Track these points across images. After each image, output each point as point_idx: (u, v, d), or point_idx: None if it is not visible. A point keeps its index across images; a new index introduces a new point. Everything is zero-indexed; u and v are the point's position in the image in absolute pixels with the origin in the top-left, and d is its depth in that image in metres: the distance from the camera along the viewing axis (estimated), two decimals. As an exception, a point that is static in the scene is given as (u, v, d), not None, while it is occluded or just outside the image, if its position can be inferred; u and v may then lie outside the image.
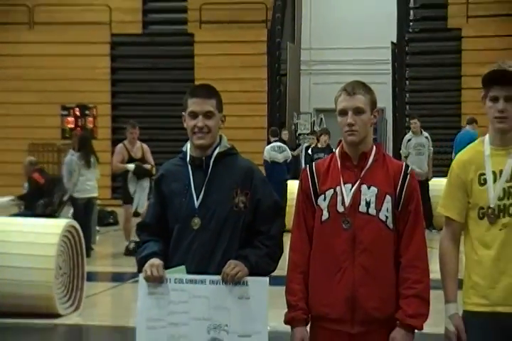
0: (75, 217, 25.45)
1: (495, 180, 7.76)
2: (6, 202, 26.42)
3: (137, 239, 8.50)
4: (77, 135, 28.82)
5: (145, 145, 26.03)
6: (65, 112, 28.55)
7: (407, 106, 39.73)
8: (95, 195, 25.00)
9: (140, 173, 25.52)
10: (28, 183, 26.15)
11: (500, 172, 7.76)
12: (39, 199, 25.84)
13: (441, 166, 25.89)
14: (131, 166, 25.52)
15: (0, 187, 31.92)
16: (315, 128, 38.49)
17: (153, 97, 36.80)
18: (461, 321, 7.76)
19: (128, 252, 24.26)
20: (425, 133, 32.15)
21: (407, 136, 32.62)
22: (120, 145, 26.44)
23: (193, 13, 41.79)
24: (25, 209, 25.46)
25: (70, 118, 28.61)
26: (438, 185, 9.14)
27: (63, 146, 31.14)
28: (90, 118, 28.90)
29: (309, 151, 32.62)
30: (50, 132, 29.14)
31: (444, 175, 8.46)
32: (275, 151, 31.24)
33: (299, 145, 35.32)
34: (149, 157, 25.57)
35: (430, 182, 26.08)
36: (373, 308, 7.68)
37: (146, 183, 25.08)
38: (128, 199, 25.14)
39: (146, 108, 35.39)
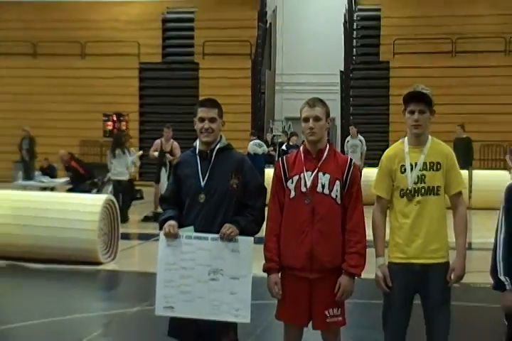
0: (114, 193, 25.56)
1: (412, 170, 7.98)
2: (63, 183, 26.39)
3: (155, 211, 8.71)
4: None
5: (175, 143, 25.87)
6: (106, 118, 28.48)
7: (351, 117, 39.64)
8: (121, 178, 24.84)
9: (161, 159, 25.69)
10: (68, 170, 25.99)
11: (416, 164, 7.99)
12: (84, 180, 25.80)
13: (373, 159, 25.85)
14: (156, 154, 25.64)
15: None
16: (286, 130, 38.73)
17: (169, 108, 36.70)
18: (387, 269, 7.96)
19: (145, 219, 24.37)
20: (360, 137, 32.45)
21: (347, 138, 33.14)
22: (158, 140, 26.29)
23: (198, 48, 41.76)
24: (74, 188, 25.34)
25: (109, 123, 28.54)
26: (371, 172, 9.21)
27: (104, 142, 31.03)
28: (124, 123, 28.82)
29: (283, 147, 32.94)
30: (95, 132, 29.01)
31: (375, 165, 8.59)
32: (256, 146, 31.39)
33: (274, 143, 35.41)
34: (177, 152, 25.35)
35: (364, 171, 26.17)
36: (326, 261, 7.85)
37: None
38: (158, 181, 25.21)
39: (164, 115, 35.22)
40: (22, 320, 12.75)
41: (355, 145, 32.17)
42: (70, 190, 24.80)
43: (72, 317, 13.25)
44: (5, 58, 42.17)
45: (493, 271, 7.39)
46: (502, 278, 7.29)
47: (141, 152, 27.47)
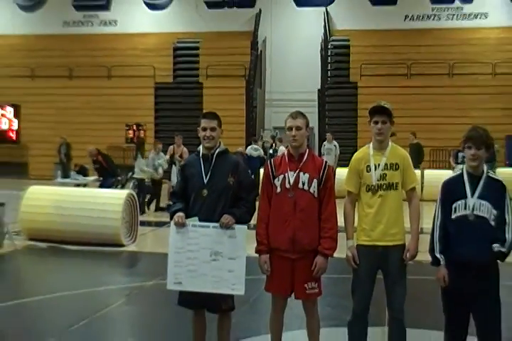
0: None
1: (375, 169, 8.06)
2: (93, 180, 26.31)
3: (168, 203, 8.73)
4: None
5: (185, 149, 25.81)
6: (127, 128, 28.40)
7: (326, 126, 39.58)
8: (139, 176, 24.79)
9: (172, 161, 25.70)
10: (94, 163, 25.85)
11: (378, 165, 8.07)
12: (108, 173, 25.74)
13: (344, 161, 25.79)
14: (167, 157, 25.63)
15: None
16: (274, 135, 38.79)
17: (178, 119, 36.60)
18: (355, 250, 8.04)
19: (159, 209, 24.36)
20: (334, 142, 32.43)
21: (324, 143, 33.15)
22: (171, 146, 26.31)
23: (203, 71, 41.75)
24: (102, 185, 25.25)
25: (130, 131, 28.48)
26: (343, 171, 9.13)
27: (126, 147, 30.97)
28: (142, 131, 28.73)
29: (271, 151, 33.09)
30: (118, 139, 28.91)
31: (346, 165, 8.59)
32: (252, 150, 31.33)
33: (264, 148, 35.37)
34: (185, 156, 25.34)
35: (337, 171, 26.05)
36: (306, 244, 7.94)
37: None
38: (170, 179, 25.25)
39: (174, 125, 35.15)
40: (61, 290, 12.88)
41: (330, 148, 32.16)
42: (100, 186, 24.76)
43: (100, 289, 13.36)
44: (47, 80, 42.14)
45: (431, 250, 7.65)
46: (438, 255, 7.56)
47: (167, 156, 27.39)
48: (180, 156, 26.01)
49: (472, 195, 7.53)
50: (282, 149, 30.37)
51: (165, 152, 26.26)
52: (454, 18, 42.48)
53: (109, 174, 25.94)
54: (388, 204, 8.05)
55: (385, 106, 8.18)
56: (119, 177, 26.49)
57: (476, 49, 40.79)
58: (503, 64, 39.88)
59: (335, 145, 32.64)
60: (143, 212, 23.54)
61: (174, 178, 24.65)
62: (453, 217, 7.57)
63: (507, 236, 7.37)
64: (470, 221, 7.48)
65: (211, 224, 8.02)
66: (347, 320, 8.34)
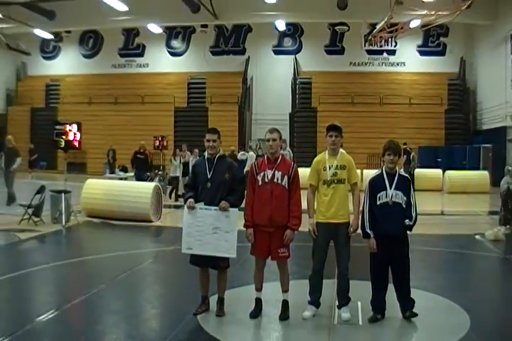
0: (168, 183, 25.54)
1: (329, 169, 8.10)
2: (132, 176, 26.10)
3: (183, 192, 8.65)
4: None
5: (188, 152, 25.76)
6: (154, 138, 28.33)
7: (295, 139, 39.64)
8: (174, 175, 24.53)
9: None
10: (141, 154, 25.63)
11: (332, 166, 8.10)
12: (144, 171, 25.64)
13: (306, 162, 25.80)
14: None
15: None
16: (258, 144, 38.77)
17: (190, 133, 36.30)
18: (315, 225, 8.08)
19: (177, 196, 23.93)
20: (288, 149, 32.43)
21: (281, 151, 32.75)
22: (180, 152, 26.13)
23: (208, 99, 41.86)
24: (138, 177, 25.06)
25: (157, 141, 28.41)
26: (305, 171, 9.10)
27: (154, 152, 30.78)
28: (165, 142, 28.69)
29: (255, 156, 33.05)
30: (148, 147, 28.85)
31: (308, 166, 8.55)
32: (242, 155, 31.11)
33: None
34: (187, 158, 25.30)
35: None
36: (279, 221, 7.92)
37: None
38: (186, 175, 25.00)
39: (187, 137, 34.96)
40: (109, 252, 12.99)
41: (286, 154, 31.58)
42: (137, 178, 24.62)
43: (136, 252, 13.37)
44: (99, 105, 42.32)
45: (363, 227, 8.04)
46: (368, 231, 8.00)
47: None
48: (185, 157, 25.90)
49: (390, 187, 8.02)
50: (252, 154, 30.22)
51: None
52: (383, 64, 42.48)
53: (144, 167, 25.73)
54: (338, 193, 8.10)
55: (337, 124, 8.28)
56: (149, 173, 26.34)
57: (398, 86, 40.94)
58: (415, 97, 40.16)
59: (289, 151, 32.32)
60: (171, 198, 23.98)
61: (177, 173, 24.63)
62: (378, 203, 8.04)
63: (412, 214, 7.94)
64: (389, 206, 7.96)
65: (213, 207, 8.04)
66: (308, 275, 8.40)
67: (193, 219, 8.08)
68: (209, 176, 8.14)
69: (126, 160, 31.36)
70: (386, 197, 7.96)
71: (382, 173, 8.15)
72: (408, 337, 7.72)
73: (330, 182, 8.10)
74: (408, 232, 8.01)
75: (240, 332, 7.65)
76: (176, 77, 43.37)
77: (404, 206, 7.93)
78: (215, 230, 8.02)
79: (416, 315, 7.96)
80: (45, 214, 17.06)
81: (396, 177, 8.04)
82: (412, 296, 8.10)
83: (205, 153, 8.34)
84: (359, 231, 8.12)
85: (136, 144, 27.02)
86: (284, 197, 8.00)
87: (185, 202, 8.20)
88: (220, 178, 8.12)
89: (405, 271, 8.06)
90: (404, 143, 28.78)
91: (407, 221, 7.86)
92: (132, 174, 26.37)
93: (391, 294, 8.12)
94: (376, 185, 8.08)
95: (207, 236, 8.01)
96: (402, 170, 8.25)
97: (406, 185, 8.06)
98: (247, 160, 30.15)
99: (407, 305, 8.06)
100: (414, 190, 8.17)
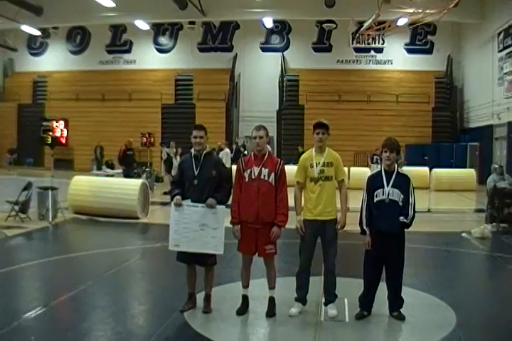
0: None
1: (316, 166, 8.10)
2: (119, 172, 25.94)
3: (170, 189, 8.62)
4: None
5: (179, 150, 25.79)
6: (142, 135, 28.15)
7: (282, 136, 39.67)
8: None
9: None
10: (130, 150, 25.49)
11: (319, 163, 8.10)
12: (132, 168, 25.57)
13: (294, 160, 25.80)
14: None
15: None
16: (245, 143, 38.66)
17: (178, 129, 35.98)
18: (302, 222, 8.08)
19: (164, 193, 23.75)
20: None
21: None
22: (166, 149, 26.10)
23: (195, 95, 41.74)
24: (126, 174, 24.91)
25: (144, 138, 28.23)
26: (293, 168, 9.13)
27: (141, 149, 30.71)
28: (152, 138, 28.51)
29: (245, 152, 32.79)
30: (135, 144, 28.62)
31: (295, 163, 8.57)
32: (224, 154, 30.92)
33: (239, 150, 35.10)
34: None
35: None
36: (266, 218, 7.92)
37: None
38: (170, 172, 24.91)
39: (174, 134, 34.74)
40: (96, 248, 12.95)
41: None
42: (125, 175, 24.50)
43: (123, 248, 13.36)
44: (87, 102, 42.15)
45: (360, 223, 7.99)
46: (365, 227, 7.94)
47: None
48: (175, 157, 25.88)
49: (387, 185, 7.95)
50: (227, 151, 30.02)
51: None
52: (370, 62, 42.48)
53: (132, 164, 25.55)
54: (325, 190, 8.11)
55: (324, 122, 8.27)
56: (136, 170, 26.24)
57: (385, 84, 41.01)
58: (402, 95, 40.18)
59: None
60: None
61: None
62: (375, 200, 7.98)
63: (409, 212, 7.85)
64: (386, 203, 7.91)
65: (200, 205, 8.02)
66: (295, 272, 8.41)
67: (180, 216, 8.05)
68: (196, 173, 8.11)
69: (115, 157, 31.34)
70: (383, 194, 7.92)
71: (380, 171, 8.12)
72: (394, 333, 7.73)
73: (317, 179, 8.10)
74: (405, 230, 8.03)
75: (226, 329, 7.65)
76: (164, 73, 43.25)
77: (401, 204, 7.87)
78: (202, 227, 7.99)
79: (403, 318, 7.94)
80: (32, 211, 17.02)
81: (394, 175, 7.99)
82: (402, 295, 8.12)
83: (192, 150, 8.30)
84: (346, 228, 8.14)
85: (122, 141, 26.84)
86: (270, 194, 7.98)
87: (172, 199, 8.18)
88: (207, 175, 8.09)
89: (398, 270, 8.06)
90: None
91: (401, 218, 7.81)
92: (120, 171, 26.27)
93: (381, 291, 8.15)
94: (374, 183, 8.06)
95: (194, 233, 7.99)
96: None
97: (405, 183, 7.99)
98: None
99: (395, 304, 8.09)
100: (414, 189, 8.07)
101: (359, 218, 8.06)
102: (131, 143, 25.74)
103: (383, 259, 8.01)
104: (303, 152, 9.44)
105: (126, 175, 24.69)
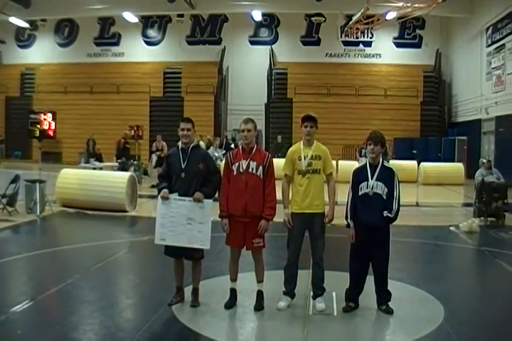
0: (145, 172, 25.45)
1: (304, 159, 8.10)
2: (107, 165, 25.95)
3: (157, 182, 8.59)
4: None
5: (164, 143, 25.69)
6: (130, 128, 27.96)
7: (270, 129, 39.65)
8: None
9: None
10: (127, 143, 25.54)
11: (307, 156, 8.10)
12: (127, 160, 25.54)
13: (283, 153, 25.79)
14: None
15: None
16: (233, 136, 38.59)
17: (166, 122, 36.02)
18: (290, 216, 8.08)
19: (152, 186, 23.55)
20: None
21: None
22: (154, 143, 25.99)
23: (184, 89, 41.69)
24: (122, 168, 24.82)
25: (132, 131, 28.02)
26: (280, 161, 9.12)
27: (130, 142, 30.59)
28: (141, 131, 28.33)
29: (232, 146, 32.68)
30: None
31: (283, 157, 8.56)
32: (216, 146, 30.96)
33: (228, 143, 35.09)
34: (164, 149, 25.15)
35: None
36: (254, 211, 7.91)
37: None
38: (158, 166, 24.79)
39: (163, 127, 34.74)
40: (84, 242, 12.90)
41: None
42: (121, 169, 24.38)
43: (110, 242, 13.35)
44: (75, 94, 41.98)
45: (345, 217, 8.05)
46: (349, 221, 8.02)
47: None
48: (162, 149, 25.82)
49: (371, 178, 7.96)
50: (202, 144, 29.93)
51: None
52: (359, 56, 42.54)
53: (129, 156, 25.39)
54: (313, 183, 8.10)
55: (312, 115, 8.26)
56: (124, 164, 26.19)
57: (373, 78, 41.12)
58: (391, 89, 40.35)
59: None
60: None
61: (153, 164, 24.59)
62: (359, 194, 8.01)
63: (393, 206, 7.87)
64: (370, 196, 7.93)
65: (187, 198, 8.01)
66: (283, 265, 8.41)
67: (167, 210, 8.04)
68: (183, 166, 8.09)
69: (103, 150, 31.32)
70: (367, 187, 7.94)
71: (365, 164, 8.14)
72: (382, 327, 7.73)
73: (305, 172, 8.10)
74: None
75: (214, 323, 7.63)
76: (152, 66, 43.16)
77: (385, 197, 7.88)
78: (188, 221, 7.98)
79: (391, 312, 7.95)
80: (20, 204, 16.94)
81: (378, 168, 8.00)
82: (388, 288, 8.14)
83: (179, 143, 8.29)
84: (333, 221, 8.14)
85: (111, 133, 26.77)
86: (258, 187, 7.97)
87: (158, 192, 8.16)
88: (194, 168, 8.07)
89: (383, 263, 8.08)
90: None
91: (385, 212, 7.82)
92: (110, 164, 26.16)
93: (369, 284, 8.17)
94: (359, 176, 8.08)
95: (180, 227, 7.98)
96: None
97: (389, 176, 7.99)
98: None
99: (383, 298, 8.11)
100: (399, 182, 8.06)
101: (345, 211, 8.09)
102: (128, 136, 25.65)
103: (368, 252, 8.01)
104: (286, 143, 9.46)
105: (123, 168, 24.63)
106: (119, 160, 25.47)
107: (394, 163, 29.67)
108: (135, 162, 27.01)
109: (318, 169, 8.11)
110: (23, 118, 20.31)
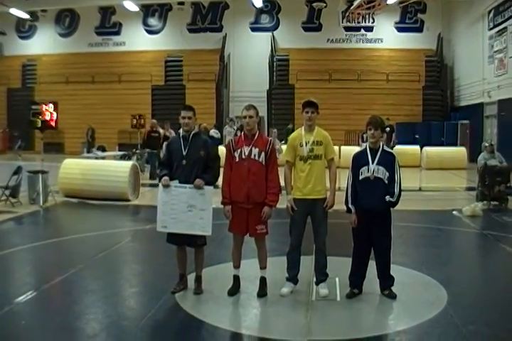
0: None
1: (306, 145, 8.09)
2: (109, 155, 25.94)
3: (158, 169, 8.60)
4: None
5: (172, 131, 25.27)
6: (132, 117, 27.93)
7: (272, 116, 39.59)
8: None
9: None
10: (154, 132, 25.26)
11: (308, 142, 8.09)
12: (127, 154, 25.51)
13: (284, 138, 25.67)
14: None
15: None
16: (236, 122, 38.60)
17: (168, 111, 35.72)
18: (292, 201, 8.08)
19: (152, 176, 23.47)
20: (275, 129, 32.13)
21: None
22: (162, 130, 25.66)
23: (185, 77, 41.59)
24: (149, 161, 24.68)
25: (134, 120, 27.95)
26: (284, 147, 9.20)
27: (131, 131, 30.48)
28: (142, 120, 28.26)
29: (238, 133, 32.47)
30: (126, 126, 28.32)
31: (285, 143, 8.54)
32: (214, 133, 30.55)
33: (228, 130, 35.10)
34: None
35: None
36: (256, 198, 7.91)
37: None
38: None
39: (165, 115, 34.49)
40: (87, 231, 12.97)
41: (274, 131, 31.09)
42: (121, 158, 24.24)
43: (114, 231, 13.40)
44: (77, 84, 41.82)
45: (346, 202, 8.04)
46: (350, 206, 7.99)
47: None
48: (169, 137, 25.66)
49: (372, 162, 7.93)
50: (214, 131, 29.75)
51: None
52: (361, 41, 42.37)
53: (157, 147, 24.84)
54: (315, 169, 8.09)
55: (313, 100, 8.26)
56: (126, 153, 26.17)
57: (375, 63, 40.87)
58: (393, 73, 40.06)
59: (276, 129, 31.89)
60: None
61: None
62: (360, 178, 7.98)
63: (395, 190, 7.85)
64: (371, 180, 7.90)
65: (188, 185, 8.01)
66: (286, 251, 8.41)
67: (168, 197, 8.04)
68: (184, 153, 8.08)
69: (105, 140, 31.34)
70: (368, 171, 7.91)
71: (365, 149, 8.11)
72: (385, 312, 7.73)
73: (306, 158, 8.09)
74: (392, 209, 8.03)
75: (218, 310, 7.64)
76: (153, 55, 43.04)
77: (386, 181, 7.86)
78: (189, 208, 7.99)
79: (394, 296, 7.97)
80: (23, 195, 16.95)
81: (379, 153, 7.97)
82: (391, 273, 8.15)
83: (180, 131, 8.28)
84: (336, 207, 8.13)
85: (113, 123, 26.73)
86: (261, 174, 7.97)
87: (159, 180, 8.15)
88: (195, 155, 8.06)
89: (385, 248, 8.06)
90: (387, 119, 28.63)
91: (387, 197, 7.80)
92: (112, 153, 26.11)
93: (371, 269, 8.17)
94: (359, 160, 8.05)
95: (182, 215, 7.98)
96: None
97: (390, 160, 7.96)
98: (218, 138, 29.95)
99: (386, 283, 8.13)
100: (399, 167, 8.05)
101: (345, 196, 8.08)
102: (155, 125, 25.22)
103: (370, 237, 8.00)
104: (293, 130, 9.44)
105: (149, 159, 24.42)
106: (147, 150, 24.97)
107: (397, 148, 29.80)
108: (137, 151, 26.97)
109: (319, 155, 8.11)
110: (25, 110, 20.27)
